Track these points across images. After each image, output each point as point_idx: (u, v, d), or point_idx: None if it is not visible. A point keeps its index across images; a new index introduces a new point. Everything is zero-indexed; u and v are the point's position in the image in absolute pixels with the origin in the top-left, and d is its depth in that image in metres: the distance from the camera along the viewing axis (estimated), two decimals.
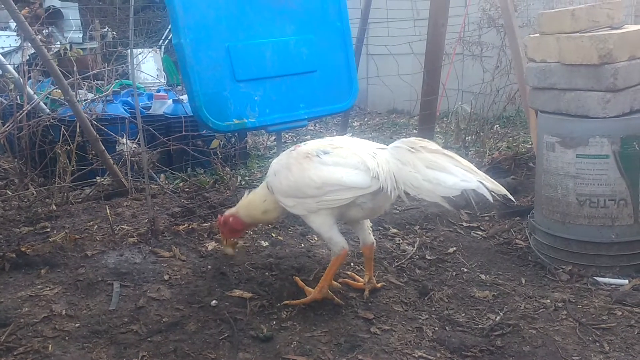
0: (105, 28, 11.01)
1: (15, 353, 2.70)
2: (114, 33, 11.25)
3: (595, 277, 3.55)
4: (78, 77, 5.44)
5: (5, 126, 4.79)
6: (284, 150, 3.28)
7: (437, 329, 3.04)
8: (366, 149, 3.04)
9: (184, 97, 5.53)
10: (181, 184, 5.16)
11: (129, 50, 6.24)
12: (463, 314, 3.19)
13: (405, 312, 3.18)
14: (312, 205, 3.03)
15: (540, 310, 3.22)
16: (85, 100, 5.44)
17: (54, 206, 4.48)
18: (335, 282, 3.31)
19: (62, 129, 4.75)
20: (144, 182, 4.20)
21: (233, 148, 5.68)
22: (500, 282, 3.55)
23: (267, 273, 3.46)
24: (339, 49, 4.24)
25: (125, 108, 5.69)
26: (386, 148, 3.05)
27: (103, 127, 5.02)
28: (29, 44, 4.94)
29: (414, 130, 7.10)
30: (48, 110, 5.22)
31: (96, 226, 4.05)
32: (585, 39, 3.47)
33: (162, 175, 5.35)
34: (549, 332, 3.01)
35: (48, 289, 3.20)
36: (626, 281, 3.50)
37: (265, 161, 5.90)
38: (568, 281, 3.56)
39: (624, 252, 3.58)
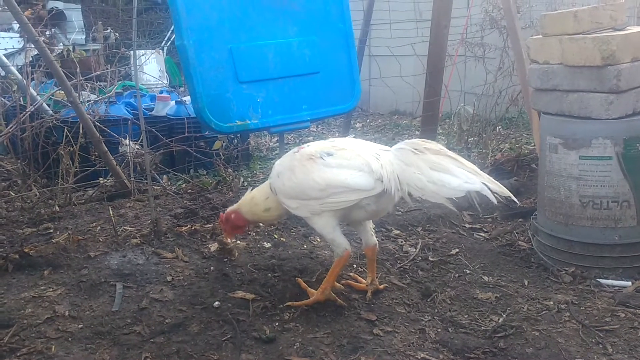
0: (108, 29, 11.02)
1: (18, 354, 2.70)
2: (117, 34, 11.26)
3: (598, 279, 3.55)
4: (81, 78, 5.45)
5: (9, 127, 4.81)
6: (287, 152, 3.28)
7: (439, 330, 3.04)
8: (370, 150, 3.04)
9: (187, 99, 5.54)
10: (184, 185, 5.16)
11: (131, 52, 6.25)
12: (466, 316, 3.19)
13: (407, 314, 3.17)
14: (315, 207, 3.03)
15: (543, 312, 3.22)
16: (88, 101, 5.45)
17: (57, 207, 4.48)
18: (337, 284, 3.31)
19: (65, 130, 4.76)
20: (146, 183, 4.21)
21: (235, 149, 5.69)
22: (502, 284, 3.55)
23: (269, 274, 3.46)
24: (341, 50, 4.24)
25: (128, 109, 5.70)
26: (390, 149, 3.05)
27: (106, 129, 5.03)
28: (32, 46, 4.95)
29: (417, 132, 7.10)
30: (51, 112, 5.23)
31: (99, 227, 4.06)
32: (588, 41, 3.46)
33: (164, 176, 5.36)
34: (552, 333, 3.01)
35: (51, 290, 3.21)
36: (629, 283, 3.49)
37: (267, 162, 5.91)
38: (571, 283, 3.56)
39: (627, 253, 3.58)
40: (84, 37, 11.05)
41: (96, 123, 4.83)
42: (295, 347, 2.83)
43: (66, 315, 2.99)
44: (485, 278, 3.62)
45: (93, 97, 5.75)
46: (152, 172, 4.52)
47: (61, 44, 9.66)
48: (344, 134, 6.09)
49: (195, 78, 3.72)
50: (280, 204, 3.17)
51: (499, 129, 6.73)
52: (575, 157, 3.55)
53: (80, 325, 2.92)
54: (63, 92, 4.82)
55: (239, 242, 3.79)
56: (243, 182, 5.08)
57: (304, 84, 4.09)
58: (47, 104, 5.30)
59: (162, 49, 10.25)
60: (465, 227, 4.41)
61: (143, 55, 8.36)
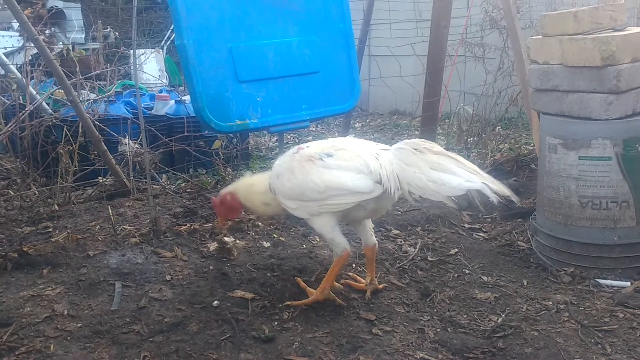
0: (107, 29, 11.01)
1: (17, 353, 2.70)
2: (117, 34, 11.25)
3: (597, 279, 3.55)
4: (80, 77, 5.45)
5: (8, 126, 4.80)
6: (286, 151, 3.28)
7: (438, 330, 3.04)
8: (369, 150, 3.04)
9: (186, 98, 5.54)
10: (183, 184, 5.16)
11: (131, 51, 6.25)
12: (465, 316, 3.19)
13: (407, 314, 3.17)
14: (314, 209, 3.03)
15: (542, 312, 3.22)
16: (87, 100, 5.45)
17: (56, 206, 4.48)
18: (337, 283, 3.31)
19: (65, 129, 4.76)
20: (146, 182, 4.21)
21: (235, 149, 5.69)
22: (502, 284, 3.55)
23: (268, 274, 3.46)
24: (341, 50, 4.24)
25: (128, 108, 5.70)
26: (389, 149, 3.05)
27: (105, 128, 5.03)
28: (32, 44, 4.94)
29: (416, 132, 7.10)
30: (50, 111, 5.23)
31: (98, 226, 4.05)
32: (588, 41, 3.46)
33: (164, 175, 5.35)
34: (551, 334, 3.01)
35: (50, 288, 3.21)
36: (628, 283, 3.49)
37: (267, 162, 5.90)
38: (570, 283, 3.56)
39: (626, 254, 3.58)
40: (83, 36, 11.04)
41: (95, 122, 4.83)
42: (294, 346, 2.83)
43: (65, 314, 2.99)
44: (485, 278, 3.62)
45: (92, 96, 5.75)
46: (151, 171, 4.52)
47: (61, 42, 9.66)
48: (343, 134, 6.09)
49: (195, 77, 3.72)
50: (279, 202, 3.17)
51: (499, 129, 6.73)
52: (575, 157, 3.55)
53: (79, 324, 2.92)
54: (62, 91, 4.82)
55: (238, 241, 3.79)
56: None
57: (304, 83, 4.09)
58: (46, 103, 5.30)
59: (162, 48, 10.24)
60: (464, 227, 4.41)
61: (143, 54, 8.35)
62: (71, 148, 4.63)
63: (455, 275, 3.64)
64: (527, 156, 5.57)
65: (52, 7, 10.42)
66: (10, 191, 4.85)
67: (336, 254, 3.09)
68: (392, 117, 9.38)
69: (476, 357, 2.83)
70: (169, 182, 5.28)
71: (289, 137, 7.06)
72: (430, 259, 3.82)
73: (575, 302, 3.32)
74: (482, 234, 4.31)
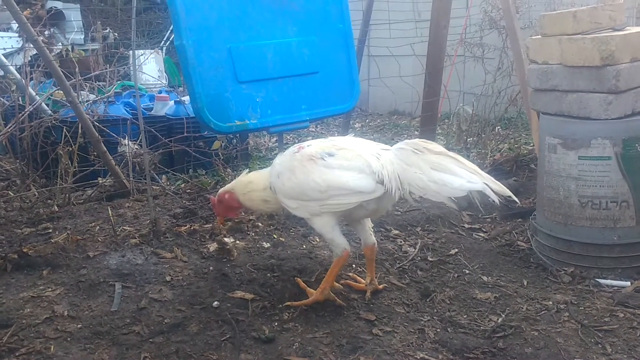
0: (106, 29, 11.02)
1: (17, 354, 2.70)
2: (116, 34, 11.25)
3: (597, 279, 3.55)
4: (80, 78, 5.44)
5: (7, 127, 4.80)
6: (286, 148, 3.27)
7: (439, 330, 3.04)
8: (370, 149, 3.04)
9: (186, 99, 5.54)
10: (183, 185, 5.16)
11: (130, 52, 6.25)
12: (465, 316, 3.19)
13: (407, 314, 3.17)
14: (315, 209, 3.02)
15: (542, 312, 3.22)
16: (87, 101, 5.44)
17: (55, 207, 4.48)
18: (337, 284, 3.31)
19: (64, 130, 4.76)
20: (145, 183, 4.21)
21: (235, 149, 5.68)
22: (502, 284, 3.55)
23: (268, 274, 3.46)
24: (340, 50, 4.24)
25: (127, 109, 5.69)
26: (390, 149, 3.05)
27: (105, 128, 5.03)
28: (31, 45, 4.94)
29: (416, 132, 7.11)
30: (50, 112, 5.22)
31: (98, 227, 4.05)
32: (587, 41, 3.46)
33: (163, 176, 5.35)
34: (551, 333, 3.01)
35: (50, 289, 3.21)
36: (628, 283, 3.49)
37: (266, 162, 5.89)
38: (570, 283, 3.56)
39: (626, 253, 3.58)
40: (82, 36, 11.05)
41: (95, 123, 4.82)
42: (294, 347, 2.83)
43: (65, 315, 2.99)
44: (485, 278, 3.62)
45: (92, 97, 5.74)
46: (151, 172, 4.52)
47: (60, 43, 9.66)
48: (343, 134, 6.09)
49: (195, 78, 3.72)
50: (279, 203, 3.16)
51: (498, 129, 6.73)
52: (574, 157, 3.55)
53: (79, 325, 2.92)
54: (62, 91, 4.81)
55: (238, 242, 3.79)
56: None
57: (303, 84, 4.09)
58: (46, 104, 5.30)
59: (161, 49, 10.24)
60: (464, 227, 4.41)
61: (142, 55, 8.35)
62: (71, 149, 4.63)
63: (455, 275, 3.64)
64: (527, 156, 5.57)
65: (51, 8, 10.43)
66: (10, 192, 4.85)
67: (336, 254, 3.09)
68: (392, 117, 9.38)
69: (476, 357, 2.83)
70: (168, 183, 5.28)
71: (288, 137, 7.06)
72: (430, 259, 3.82)
73: (576, 302, 3.32)
74: (482, 234, 4.31)
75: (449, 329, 3.05)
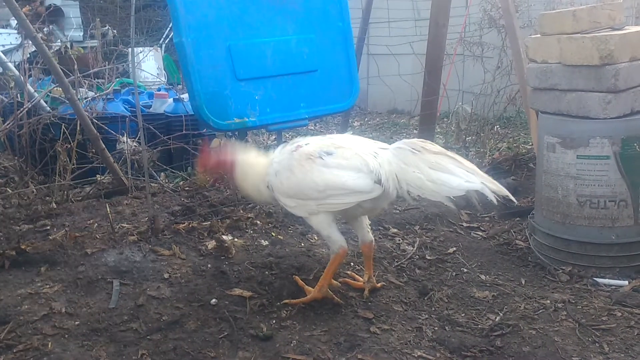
0: (106, 26, 11.01)
1: (14, 350, 2.70)
2: (115, 31, 11.24)
3: (595, 278, 3.55)
4: (79, 75, 5.43)
5: (6, 124, 4.79)
6: (284, 145, 3.25)
7: (436, 328, 3.04)
8: (368, 148, 3.04)
9: (185, 96, 5.53)
10: (181, 182, 5.15)
11: (129, 49, 6.24)
12: (463, 314, 3.19)
13: (405, 312, 3.18)
14: (312, 208, 3.02)
15: (540, 311, 3.22)
16: (85, 98, 5.43)
17: (54, 204, 4.47)
18: (335, 282, 3.31)
19: (63, 127, 4.74)
20: (144, 180, 4.20)
21: None
22: (500, 283, 3.55)
23: (267, 272, 3.46)
24: (340, 48, 4.24)
25: (126, 106, 5.68)
26: (388, 148, 3.05)
27: (103, 126, 5.01)
28: (30, 42, 4.93)
29: (415, 131, 7.11)
30: (48, 108, 5.22)
31: (96, 224, 4.04)
32: (586, 40, 3.47)
33: (162, 173, 5.34)
34: (549, 332, 3.01)
35: (48, 286, 3.20)
36: (626, 282, 3.50)
37: None
38: (568, 282, 3.56)
39: (624, 253, 3.59)
40: (82, 34, 11.04)
41: (94, 120, 4.81)
42: (292, 344, 2.83)
43: (63, 312, 2.99)
44: (483, 277, 3.62)
45: (91, 94, 5.73)
46: (149, 169, 4.51)
47: (59, 40, 9.64)
48: (342, 132, 6.09)
49: (193, 75, 3.71)
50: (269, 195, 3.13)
51: (497, 128, 6.74)
52: (573, 156, 3.55)
53: (76, 322, 2.92)
54: (60, 88, 4.80)
55: (236, 239, 3.78)
56: None
57: (302, 82, 4.08)
58: (44, 101, 5.29)
59: (160, 46, 10.24)
60: (462, 225, 4.41)
61: (141, 52, 8.35)
62: (69, 146, 4.62)
63: (454, 274, 3.64)
64: (526, 155, 5.58)
65: (50, 4, 10.42)
66: (8, 189, 4.84)
67: (333, 251, 3.09)
68: (391, 116, 9.38)
69: (474, 355, 2.83)
70: (167, 181, 5.27)
71: (287, 135, 7.04)
72: (429, 258, 3.82)
73: (573, 301, 3.33)
74: (481, 233, 4.31)
75: (446, 328, 3.06)
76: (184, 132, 5.16)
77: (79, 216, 4.23)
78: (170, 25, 9.66)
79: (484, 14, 6.23)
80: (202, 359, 2.73)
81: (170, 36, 10.13)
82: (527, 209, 4.38)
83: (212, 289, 3.26)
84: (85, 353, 2.71)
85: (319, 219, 3.04)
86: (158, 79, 8.43)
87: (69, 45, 7.33)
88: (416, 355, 2.81)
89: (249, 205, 4.37)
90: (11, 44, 8.14)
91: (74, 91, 4.84)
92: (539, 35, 3.84)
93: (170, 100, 5.97)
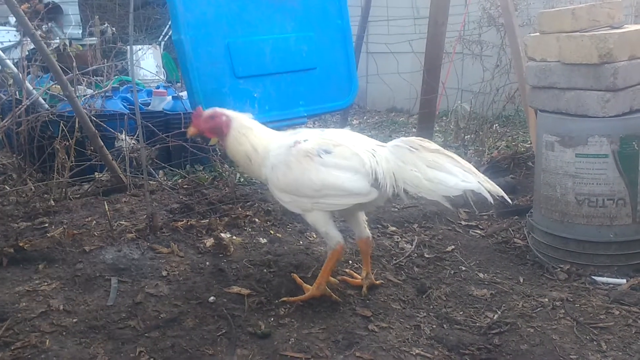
0: (104, 24, 10.98)
1: (12, 348, 2.70)
2: (114, 29, 11.21)
3: (593, 277, 3.55)
4: (77, 72, 5.43)
5: (4, 121, 4.79)
6: (282, 134, 3.21)
7: (435, 326, 3.04)
8: (365, 145, 3.03)
9: (183, 94, 5.52)
10: (180, 180, 5.15)
11: (128, 47, 6.23)
12: (461, 312, 3.19)
13: (403, 310, 3.18)
14: (307, 205, 3.01)
15: (538, 309, 3.22)
16: (84, 96, 5.43)
17: (52, 201, 4.47)
18: (333, 279, 3.31)
19: (61, 124, 4.74)
20: (142, 178, 4.20)
21: None
22: (498, 281, 3.56)
23: (265, 270, 3.46)
24: (339, 46, 4.23)
25: (125, 104, 5.68)
26: (385, 146, 3.05)
27: (102, 123, 5.01)
28: (29, 39, 4.92)
29: (413, 129, 7.10)
30: (47, 106, 5.21)
31: (94, 222, 4.04)
32: (585, 38, 3.46)
33: (160, 171, 5.34)
34: (547, 330, 3.02)
35: (46, 284, 3.20)
36: (624, 280, 3.50)
37: None
38: (566, 280, 3.56)
39: (622, 251, 3.59)
40: (80, 31, 11.01)
41: (92, 117, 4.81)
42: (290, 342, 2.83)
43: (61, 309, 2.99)
44: (481, 275, 3.62)
45: (89, 91, 5.73)
46: (148, 167, 4.51)
47: (58, 38, 9.62)
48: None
49: (192, 73, 3.71)
50: (260, 170, 3.09)
51: (496, 126, 6.74)
52: (572, 154, 3.55)
53: (74, 320, 2.92)
54: (59, 86, 4.80)
55: (234, 237, 3.79)
56: (239, 177, 5.06)
57: (301, 79, 4.08)
58: (43, 98, 5.28)
59: (159, 44, 10.22)
60: (461, 224, 4.41)
61: (140, 50, 8.34)
62: (68, 143, 4.62)
63: (452, 272, 3.64)
64: (524, 154, 5.58)
65: (49, 2, 10.39)
66: (6, 186, 4.83)
67: (330, 247, 3.09)
68: (390, 115, 9.38)
69: (472, 353, 2.83)
70: (165, 178, 5.27)
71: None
72: (427, 256, 3.82)
73: (571, 299, 3.33)
74: (479, 231, 4.32)
75: (444, 326, 3.06)
76: (182, 129, 5.15)
77: (77, 214, 4.23)
78: (169, 23, 9.64)
79: (483, 12, 6.23)
80: (200, 357, 2.73)
81: (169, 34, 10.12)
82: (525, 208, 4.38)
83: (211, 286, 3.26)
84: (83, 350, 2.71)
85: (315, 217, 3.04)
86: (157, 77, 8.42)
87: (67, 43, 7.31)
88: (414, 353, 2.81)
89: (248, 203, 4.37)
90: (10, 41, 8.13)
91: (73, 89, 4.84)
92: (538, 34, 3.84)
93: (169, 98, 5.97)
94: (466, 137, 6.19)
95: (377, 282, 3.36)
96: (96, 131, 4.67)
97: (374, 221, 4.19)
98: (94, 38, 10.28)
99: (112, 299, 3.10)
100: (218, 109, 3.18)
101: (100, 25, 10.49)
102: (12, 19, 8.74)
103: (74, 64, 5.38)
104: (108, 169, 4.81)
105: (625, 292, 3.37)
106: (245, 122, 3.15)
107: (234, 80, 3.84)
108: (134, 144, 4.97)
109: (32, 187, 4.68)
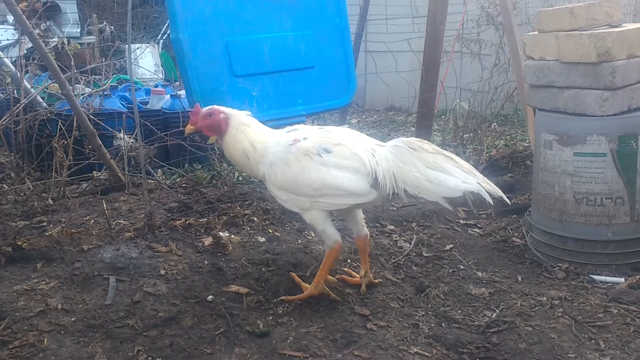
0: (102, 22, 10.97)
1: (10, 347, 2.69)
2: (112, 28, 11.20)
3: (591, 275, 3.56)
4: (75, 71, 5.43)
5: (2, 120, 4.78)
6: (278, 131, 3.20)
7: (433, 325, 3.04)
8: (365, 145, 3.02)
9: (182, 93, 5.52)
10: (178, 179, 5.15)
11: (126, 45, 6.23)
12: (459, 311, 3.19)
13: (401, 309, 3.18)
14: (305, 204, 3.00)
15: (537, 308, 3.23)
16: (82, 94, 5.42)
17: (50, 200, 4.46)
18: (331, 277, 3.30)
19: (59, 123, 4.74)
20: (141, 177, 4.20)
21: None
22: (496, 280, 3.56)
23: (263, 269, 3.45)
24: (337, 45, 4.23)
25: (123, 103, 5.68)
26: (385, 145, 3.04)
27: (100, 122, 5.01)
28: (27, 38, 4.92)
29: (412, 128, 7.11)
30: (45, 104, 5.21)
31: (93, 221, 4.04)
32: (584, 37, 3.46)
33: (159, 170, 5.34)
34: (545, 329, 3.02)
35: (44, 282, 3.20)
36: (622, 279, 3.50)
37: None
38: (564, 279, 3.57)
39: (620, 250, 3.59)
40: (78, 30, 11.01)
41: (90, 116, 4.81)
42: (288, 341, 2.83)
43: (59, 308, 2.98)
44: (479, 274, 3.63)
45: (87, 90, 5.72)
46: (146, 166, 4.51)
47: (56, 36, 9.61)
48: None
49: (190, 72, 3.71)
50: (257, 168, 3.08)
51: (494, 125, 6.73)
52: (570, 153, 3.55)
53: (72, 319, 2.91)
54: (57, 84, 4.79)
55: (233, 236, 3.78)
56: (238, 176, 5.06)
57: (300, 78, 4.08)
58: (41, 97, 5.28)
59: (158, 43, 10.22)
60: (459, 223, 4.41)
61: (138, 48, 8.33)
62: (66, 142, 4.61)
63: (450, 270, 3.64)
64: (523, 152, 5.58)
65: (47, 0, 10.38)
66: (4, 185, 4.83)
67: (327, 245, 3.08)
68: (388, 113, 9.38)
69: (470, 352, 2.83)
70: (164, 177, 5.26)
71: None
72: (425, 255, 3.82)
73: (570, 298, 3.33)
74: (477, 230, 4.32)
75: (443, 324, 3.06)
76: (181, 128, 5.14)
77: (75, 212, 4.23)
78: (167, 22, 9.64)
79: (481, 11, 6.23)
80: (198, 356, 2.73)
81: (167, 33, 10.11)
82: (524, 206, 4.39)
83: (209, 285, 3.25)
84: (81, 349, 2.71)
85: (313, 215, 3.03)
86: (155, 76, 8.41)
87: (65, 42, 7.31)
88: (412, 352, 2.81)
89: (246, 202, 4.37)
90: (8, 40, 8.13)
91: (71, 87, 4.83)
92: (536, 33, 3.84)
93: (167, 96, 5.97)
94: (465, 136, 6.19)
95: (376, 280, 3.36)
96: (94, 130, 4.66)
97: (373, 220, 4.19)
98: (92, 36, 10.28)
99: (110, 297, 3.10)
100: (216, 107, 3.16)
101: (99, 24, 10.49)
102: (10, 18, 8.73)
103: (72, 62, 5.39)
104: (106, 167, 4.81)
105: (623, 290, 3.37)
106: (243, 119, 3.14)
107: (232, 79, 3.83)
108: (132, 142, 4.97)
109: (30, 186, 4.68)
